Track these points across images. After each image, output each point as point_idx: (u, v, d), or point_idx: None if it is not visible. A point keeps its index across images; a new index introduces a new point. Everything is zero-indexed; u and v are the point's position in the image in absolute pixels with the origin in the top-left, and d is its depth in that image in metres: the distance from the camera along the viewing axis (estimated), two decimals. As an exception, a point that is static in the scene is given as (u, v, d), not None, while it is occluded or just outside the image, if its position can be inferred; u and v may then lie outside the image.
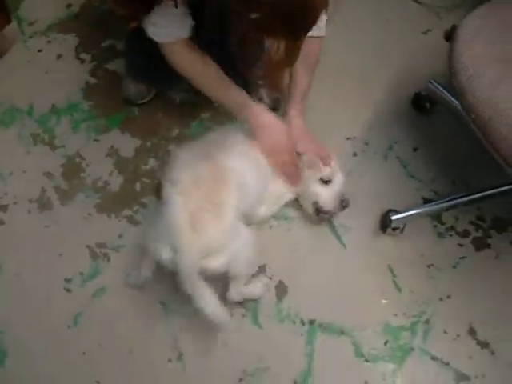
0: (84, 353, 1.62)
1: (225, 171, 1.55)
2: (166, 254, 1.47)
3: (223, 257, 1.49)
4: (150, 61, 1.67)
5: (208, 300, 1.45)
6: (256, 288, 1.68)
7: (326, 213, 1.74)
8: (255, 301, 1.68)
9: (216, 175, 1.53)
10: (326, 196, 1.72)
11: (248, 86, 1.95)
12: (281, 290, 1.70)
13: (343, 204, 1.73)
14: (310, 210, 1.76)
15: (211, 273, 1.48)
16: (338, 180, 1.74)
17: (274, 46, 1.36)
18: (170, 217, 1.47)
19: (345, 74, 2.07)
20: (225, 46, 1.53)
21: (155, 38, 1.53)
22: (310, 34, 1.53)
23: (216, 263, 1.49)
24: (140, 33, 1.54)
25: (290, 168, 1.71)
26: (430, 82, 1.89)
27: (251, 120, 1.67)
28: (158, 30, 1.51)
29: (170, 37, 1.54)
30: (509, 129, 1.29)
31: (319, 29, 1.61)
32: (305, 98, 1.77)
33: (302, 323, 1.66)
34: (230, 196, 1.52)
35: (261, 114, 1.67)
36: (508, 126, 1.29)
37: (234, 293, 1.62)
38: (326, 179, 1.71)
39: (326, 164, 1.71)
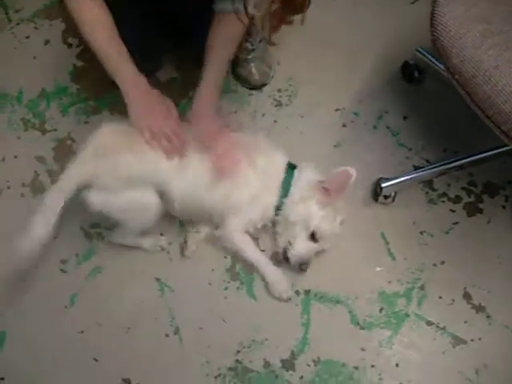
0: (82, 331, 1.65)
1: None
2: None
3: (102, 197, 1.50)
4: (140, 43, 1.66)
5: (39, 224, 1.46)
6: (147, 242, 1.71)
7: (284, 262, 1.66)
8: (250, 273, 1.69)
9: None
10: (301, 251, 1.62)
11: (237, 61, 1.96)
12: (275, 261, 1.70)
13: (302, 267, 1.62)
14: (278, 249, 1.68)
15: (86, 206, 1.51)
16: (324, 243, 1.63)
17: None
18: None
19: (333, 44, 2.06)
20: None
21: None
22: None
23: (93, 198, 1.50)
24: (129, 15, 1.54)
25: (166, 137, 1.51)
26: (417, 50, 1.88)
27: (129, 90, 1.54)
28: None
29: None
30: (492, 87, 1.29)
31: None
32: (219, 77, 1.64)
33: (297, 293, 1.67)
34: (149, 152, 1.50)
35: (141, 86, 1.56)
36: (491, 84, 1.29)
37: (114, 236, 1.67)
38: (315, 236, 1.60)
39: (218, 157, 1.54)
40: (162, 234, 1.74)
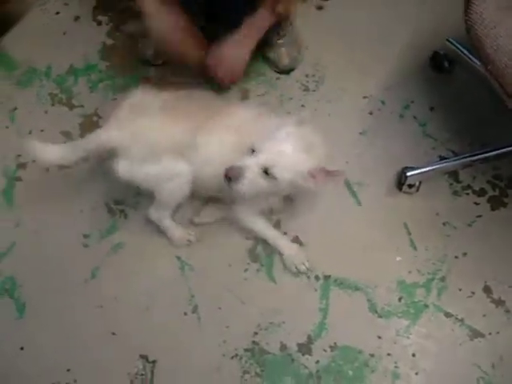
0: (101, 306, 1.66)
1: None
2: None
3: (130, 167, 1.53)
4: None
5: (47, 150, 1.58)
6: (178, 232, 1.70)
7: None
8: (270, 255, 1.69)
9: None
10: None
11: (267, 45, 1.95)
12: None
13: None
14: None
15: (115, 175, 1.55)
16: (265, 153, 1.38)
17: None
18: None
19: (362, 32, 2.06)
20: None
21: None
22: None
23: (120, 167, 1.53)
24: None
25: None
26: (448, 41, 1.86)
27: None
28: None
29: None
30: (526, 78, 1.28)
31: None
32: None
33: (317, 278, 1.67)
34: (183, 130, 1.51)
35: None
36: (525, 75, 1.28)
37: (152, 211, 1.66)
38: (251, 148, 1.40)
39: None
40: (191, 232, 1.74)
